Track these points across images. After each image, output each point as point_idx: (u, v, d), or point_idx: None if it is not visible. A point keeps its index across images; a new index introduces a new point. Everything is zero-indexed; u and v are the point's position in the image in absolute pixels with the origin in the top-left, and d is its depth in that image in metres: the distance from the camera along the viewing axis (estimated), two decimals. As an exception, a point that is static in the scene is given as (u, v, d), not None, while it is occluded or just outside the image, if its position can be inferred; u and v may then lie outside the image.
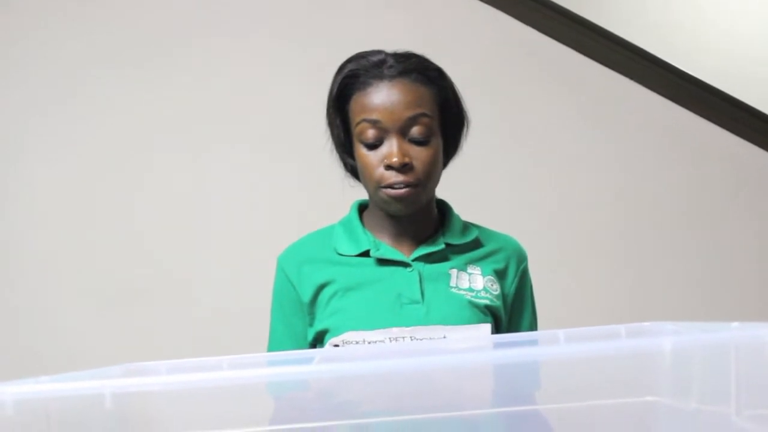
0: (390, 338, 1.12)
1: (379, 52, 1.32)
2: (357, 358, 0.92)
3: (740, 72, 3.71)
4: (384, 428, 0.90)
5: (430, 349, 0.95)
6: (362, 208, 1.41)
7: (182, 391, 0.61)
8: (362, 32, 2.39)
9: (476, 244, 1.36)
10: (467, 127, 1.38)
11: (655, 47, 2.47)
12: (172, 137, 2.41)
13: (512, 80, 2.42)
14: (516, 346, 0.84)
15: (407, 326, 1.22)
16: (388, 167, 1.25)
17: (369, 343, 1.11)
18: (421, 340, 1.11)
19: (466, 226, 1.38)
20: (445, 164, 1.38)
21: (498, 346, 0.94)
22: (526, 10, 2.35)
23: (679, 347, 0.55)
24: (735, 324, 0.72)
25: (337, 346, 1.13)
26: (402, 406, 1.01)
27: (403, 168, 1.25)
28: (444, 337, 1.10)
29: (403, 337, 1.12)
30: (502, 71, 2.42)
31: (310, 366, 0.60)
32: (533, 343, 0.95)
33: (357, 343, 1.12)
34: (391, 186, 1.26)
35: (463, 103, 1.37)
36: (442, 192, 1.39)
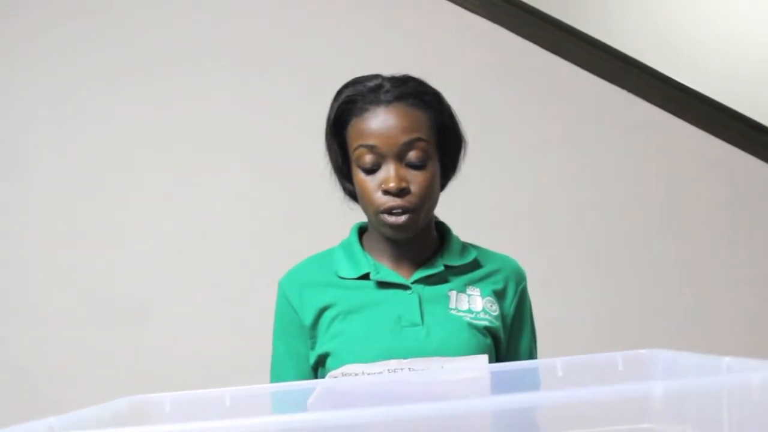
0: (388, 370, 1.14)
1: (376, 76, 1.34)
2: (356, 396, 0.93)
3: (731, 80, 3.71)
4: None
5: (427, 381, 0.97)
6: (362, 230, 1.42)
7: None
8: (359, 48, 2.41)
9: (475, 265, 1.37)
10: (465, 150, 1.39)
11: (649, 58, 2.48)
12: (173, 156, 2.43)
13: (504, 92, 2.43)
14: (512, 390, 0.85)
15: (407, 351, 1.23)
16: (386, 192, 1.27)
17: (367, 375, 1.13)
18: (418, 371, 1.12)
19: (465, 247, 1.39)
20: (443, 186, 1.39)
21: (496, 375, 0.95)
22: (520, 21, 2.36)
23: (671, 391, 0.57)
24: (727, 359, 0.73)
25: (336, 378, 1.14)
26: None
27: (401, 193, 1.26)
28: (442, 368, 1.11)
29: (401, 369, 1.13)
30: (494, 83, 2.43)
31: (312, 415, 0.61)
32: (532, 372, 0.96)
33: (356, 375, 1.13)
34: (389, 211, 1.27)
35: (460, 126, 1.38)
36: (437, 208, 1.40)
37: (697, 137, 2.40)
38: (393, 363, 1.16)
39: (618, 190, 2.43)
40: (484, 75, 2.43)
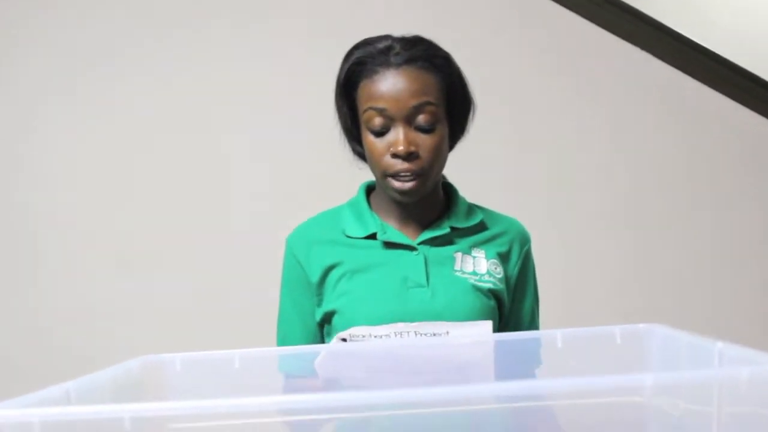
0: (395, 333, 1.17)
1: (386, 37, 1.34)
2: (362, 358, 0.96)
3: (753, 44, 3.65)
4: (389, 420, 0.94)
5: (432, 345, 1.00)
6: (369, 189, 1.44)
7: (197, 416, 0.65)
8: (373, 7, 2.39)
9: (481, 227, 1.39)
10: (473, 112, 1.40)
11: (666, 16, 2.45)
12: (185, 109, 2.45)
13: (517, 50, 2.42)
14: (514, 359, 0.88)
15: (412, 312, 1.26)
16: (394, 155, 1.28)
17: (375, 337, 1.16)
18: (424, 335, 1.16)
19: (471, 209, 1.41)
20: (451, 147, 1.40)
21: (499, 344, 0.98)
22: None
23: (660, 383, 0.59)
24: (719, 345, 0.76)
25: (344, 340, 1.17)
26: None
27: (409, 156, 1.28)
28: (447, 333, 1.14)
29: (408, 332, 1.16)
30: (505, 40, 2.42)
31: (326, 395, 0.64)
32: (533, 342, 0.99)
33: (363, 337, 1.16)
34: (396, 174, 1.29)
35: (469, 88, 1.38)
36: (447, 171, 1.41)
37: (718, 101, 2.39)
38: (400, 326, 1.19)
39: (627, 151, 2.44)
40: (499, 31, 2.41)
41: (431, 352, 1.04)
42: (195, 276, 2.41)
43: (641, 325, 0.96)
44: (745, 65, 2.37)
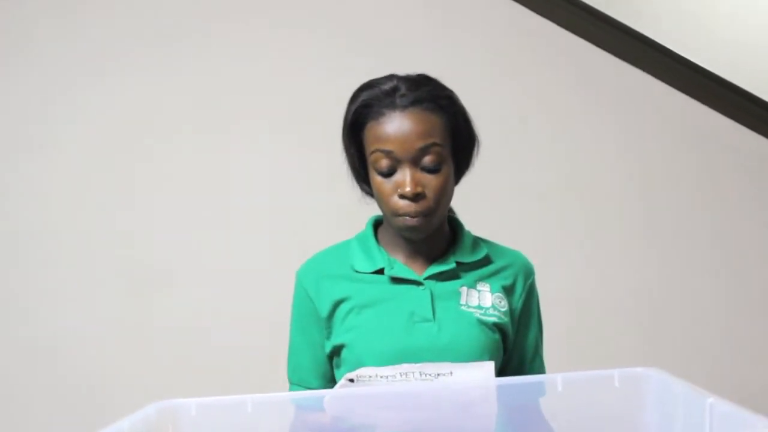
0: (401, 373, 1.21)
1: (391, 77, 1.37)
2: (368, 398, 1.00)
3: (756, 66, 3.66)
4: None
5: (436, 388, 1.04)
6: (377, 223, 1.48)
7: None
8: (381, 23, 2.42)
9: (486, 261, 1.43)
10: (478, 148, 1.44)
11: (669, 40, 2.47)
12: (196, 126, 2.48)
13: (523, 72, 2.45)
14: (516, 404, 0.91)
15: (419, 347, 1.31)
16: (402, 196, 1.32)
17: (381, 377, 1.20)
18: (429, 375, 1.20)
19: (476, 243, 1.44)
20: (457, 181, 1.44)
21: (501, 389, 1.02)
22: (541, 1, 2.36)
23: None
24: (710, 400, 0.79)
25: (351, 380, 1.21)
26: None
27: (416, 197, 1.31)
28: (451, 373, 1.18)
29: (413, 373, 1.20)
30: (513, 63, 2.44)
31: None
32: (536, 386, 1.02)
33: (370, 377, 1.20)
34: (404, 215, 1.32)
35: (473, 126, 1.42)
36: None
37: (728, 127, 2.42)
38: (405, 367, 1.22)
39: (633, 172, 2.46)
40: (500, 54, 2.44)
41: (435, 391, 1.08)
42: (207, 294, 2.44)
43: (639, 369, 0.99)
44: (748, 87, 2.40)
